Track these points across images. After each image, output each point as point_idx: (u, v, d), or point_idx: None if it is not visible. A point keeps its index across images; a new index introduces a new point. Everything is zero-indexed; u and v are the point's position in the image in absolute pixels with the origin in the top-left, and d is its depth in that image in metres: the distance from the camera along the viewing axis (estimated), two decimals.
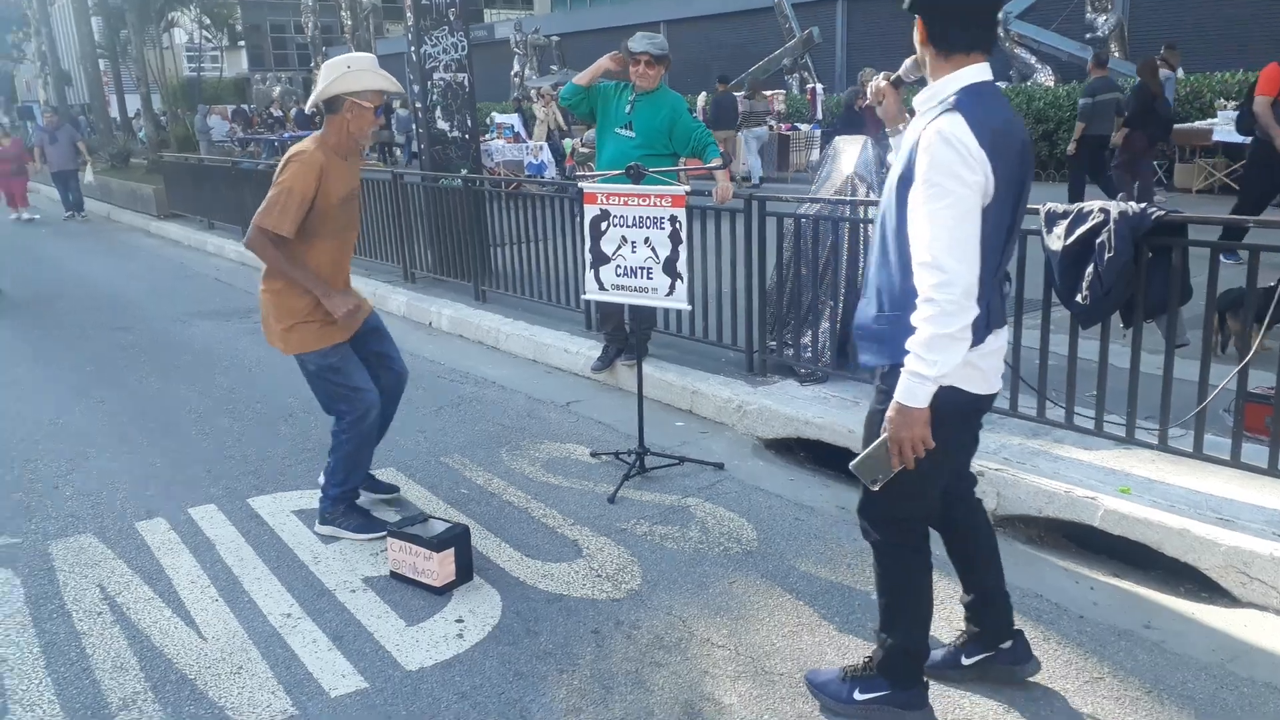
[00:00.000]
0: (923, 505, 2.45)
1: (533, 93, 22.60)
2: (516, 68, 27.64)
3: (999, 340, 2.32)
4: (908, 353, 2.14)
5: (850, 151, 5.20)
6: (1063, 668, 2.78)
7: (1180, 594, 3.18)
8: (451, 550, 3.32)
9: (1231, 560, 3.09)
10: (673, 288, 4.10)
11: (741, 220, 5.19)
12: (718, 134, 13.36)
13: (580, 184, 4.34)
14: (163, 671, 2.91)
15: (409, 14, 8.17)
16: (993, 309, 2.24)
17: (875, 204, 4.70)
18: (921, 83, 2.32)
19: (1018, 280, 3.95)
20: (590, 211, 4.20)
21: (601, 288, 4.28)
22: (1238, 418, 3.54)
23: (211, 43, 46.79)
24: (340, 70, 3.45)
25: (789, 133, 17.76)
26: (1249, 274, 3.58)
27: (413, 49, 8.20)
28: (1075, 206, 3.78)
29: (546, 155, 15.62)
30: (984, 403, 2.36)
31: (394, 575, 3.42)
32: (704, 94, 17.44)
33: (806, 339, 5.11)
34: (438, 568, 3.29)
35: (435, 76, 8.25)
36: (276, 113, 27.32)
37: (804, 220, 4.97)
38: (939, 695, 2.63)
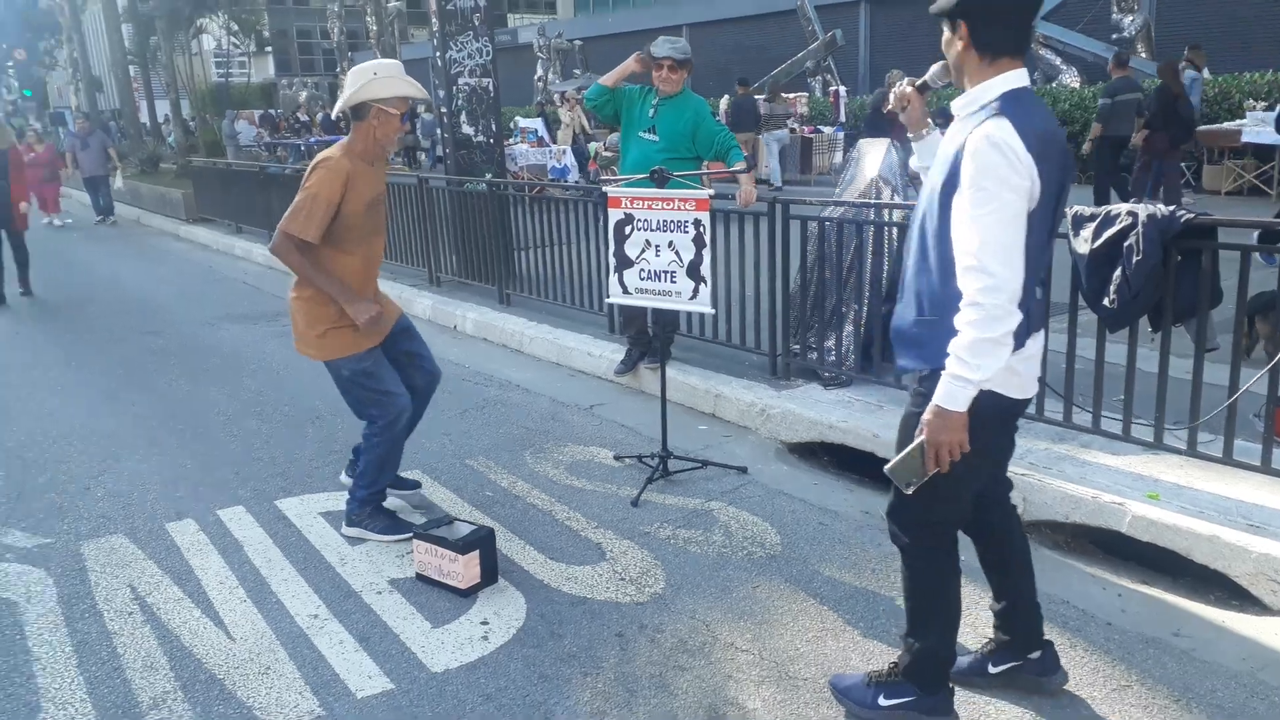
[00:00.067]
0: (956, 509, 2.45)
1: (556, 97, 22.69)
2: (540, 72, 27.75)
3: (1037, 344, 2.32)
4: (946, 357, 2.14)
5: (874, 154, 5.19)
6: (1090, 675, 2.76)
7: (1209, 601, 3.15)
8: (476, 552, 3.34)
9: (1262, 568, 3.05)
10: (696, 291, 4.11)
11: (765, 223, 5.19)
12: (737, 137, 13.35)
13: (604, 188, 4.36)
14: (192, 671, 2.95)
15: (434, 20, 8.23)
16: (1032, 313, 2.24)
17: (900, 207, 4.71)
18: (946, 88, 2.32)
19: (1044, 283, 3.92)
20: (614, 215, 4.22)
21: (625, 291, 4.30)
22: (1268, 423, 3.50)
23: (239, 49, 47.28)
24: (366, 77, 3.47)
25: (811, 135, 17.71)
26: None
27: (438, 54, 8.25)
28: (1103, 209, 3.75)
29: (570, 159, 15.67)
30: (1020, 407, 2.36)
31: (419, 577, 3.45)
32: (726, 97, 17.43)
33: (830, 342, 5.10)
34: (463, 570, 3.31)
35: (460, 81, 8.30)
36: (303, 117, 27.59)
37: (828, 223, 4.96)
38: (964, 702, 2.62)
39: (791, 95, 19.48)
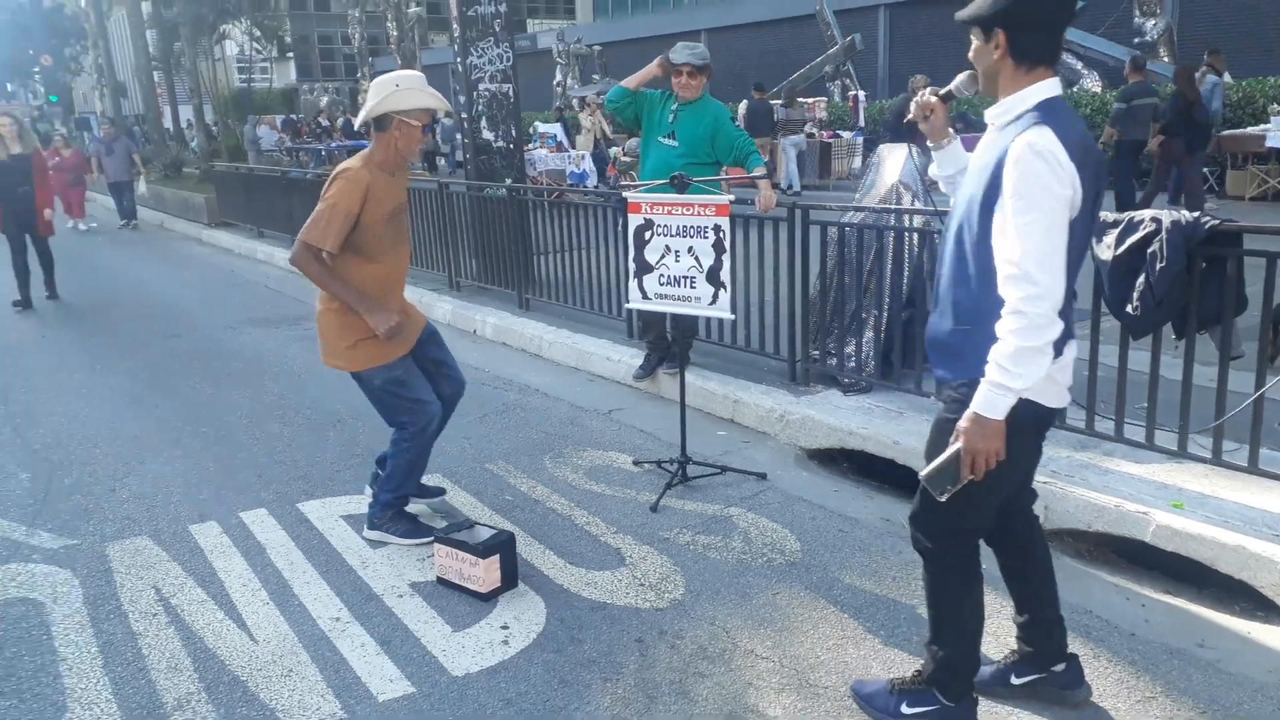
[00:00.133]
0: (984, 517, 2.44)
1: (575, 102, 22.76)
2: (559, 77, 27.85)
3: (1072, 352, 2.33)
4: (983, 367, 2.14)
5: (894, 159, 5.18)
6: (1113, 686, 2.74)
7: (1235, 612, 3.12)
8: (497, 557, 3.35)
9: None
10: (716, 297, 4.11)
11: (785, 229, 5.18)
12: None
13: (624, 194, 4.37)
14: (216, 673, 2.97)
15: (455, 25, 8.28)
16: (1068, 321, 2.24)
17: (921, 212, 4.70)
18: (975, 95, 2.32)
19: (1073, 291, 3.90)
20: (634, 221, 4.23)
21: (645, 296, 4.30)
22: None
23: (261, 54, 47.74)
24: (389, 89, 3.50)
25: (830, 140, 17.68)
26: None
27: (458, 60, 8.30)
28: (1126, 215, 3.72)
29: (588, 164, 15.72)
30: (1054, 416, 2.36)
31: (440, 581, 3.47)
32: (744, 102, 17.43)
33: (850, 348, 5.09)
34: (483, 574, 3.32)
35: (480, 87, 8.35)
36: (324, 122, 27.80)
37: (848, 229, 4.95)
38: (986, 712, 2.61)
39: (810, 100, 19.45)
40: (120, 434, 5.34)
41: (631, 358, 5.96)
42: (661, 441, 4.91)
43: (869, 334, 5.01)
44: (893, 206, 4.92)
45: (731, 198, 4.09)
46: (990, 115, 2.26)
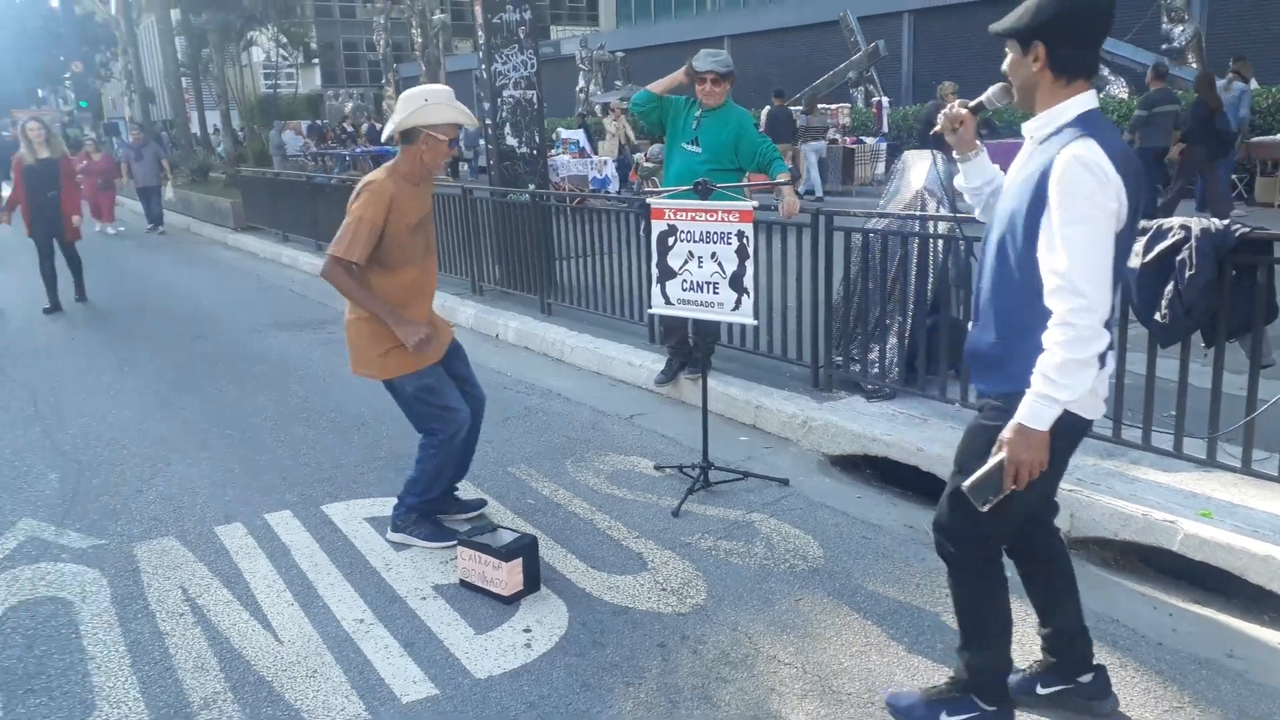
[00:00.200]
0: (1012, 524, 2.43)
1: (598, 108, 22.82)
2: (582, 83, 27.93)
3: (1112, 364, 2.32)
4: (1025, 379, 2.14)
5: (920, 166, 5.16)
6: (1141, 696, 2.72)
7: (1264, 622, 3.08)
8: (520, 560, 3.36)
9: None
10: (739, 303, 4.11)
11: (808, 235, 5.18)
12: None
13: (648, 200, 4.38)
14: (241, 673, 3.00)
15: (480, 32, 8.33)
16: (1111, 332, 2.23)
17: (945, 219, 4.68)
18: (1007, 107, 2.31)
19: None
20: (657, 227, 4.24)
21: (668, 302, 4.31)
22: None
23: (287, 60, 48.22)
24: (418, 103, 3.53)
25: (854, 146, 17.64)
26: None
27: (483, 66, 8.35)
28: (1154, 222, 3.70)
29: (610, 170, 15.76)
30: (1089, 426, 2.35)
31: (463, 583, 3.48)
32: (767, 108, 17.42)
33: (874, 355, 5.07)
34: (506, 577, 3.33)
35: (505, 94, 8.39)
36: (349, 128, 28.00)
37: (872, 235, 4.94)
38: None
39: (833, 106, 19.41)
40: (147, 435, 5.40)
41: (653, 363, 5.96)
42: (683, 447, 4.91)
43: (893, 340, 4.99)
44: (918, 213, 4.90)
45: (755, 204, 4.09)
46: (1029, 129, 2.25)
